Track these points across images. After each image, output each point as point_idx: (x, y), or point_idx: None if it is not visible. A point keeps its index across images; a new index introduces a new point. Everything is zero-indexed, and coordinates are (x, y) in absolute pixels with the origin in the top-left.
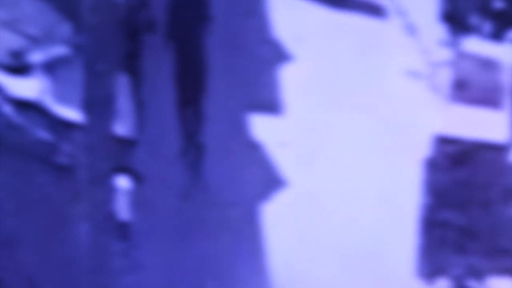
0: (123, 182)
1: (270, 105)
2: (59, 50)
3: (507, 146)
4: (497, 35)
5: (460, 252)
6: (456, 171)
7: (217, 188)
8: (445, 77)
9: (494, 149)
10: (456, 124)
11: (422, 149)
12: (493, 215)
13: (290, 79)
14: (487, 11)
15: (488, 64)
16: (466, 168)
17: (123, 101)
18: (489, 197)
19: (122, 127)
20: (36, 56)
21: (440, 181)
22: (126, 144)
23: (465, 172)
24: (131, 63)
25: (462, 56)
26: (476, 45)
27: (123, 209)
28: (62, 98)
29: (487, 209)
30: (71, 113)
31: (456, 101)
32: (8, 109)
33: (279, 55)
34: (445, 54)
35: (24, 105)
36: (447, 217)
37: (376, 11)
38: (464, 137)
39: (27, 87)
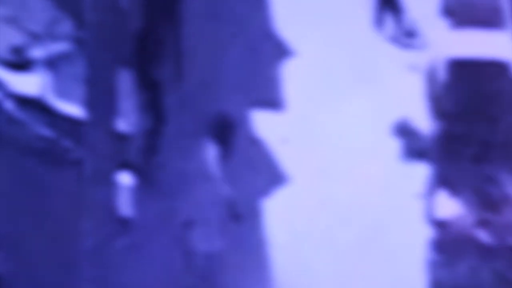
0: (125, 178)
1: (272, 101)
2: (60, 46)
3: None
4: None
5: (477, 162)
6: (466, 88)
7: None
8: None
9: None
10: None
11: None
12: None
13: (291, 75)
14: None
15: None
16: (476, 84)
17: (126, 97)
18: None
19: (124, 123)
20: (38, 52)
21: (454, 99)
22: (128, 140)
23: (475, 88)
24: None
25: None
26: None
27: (125, 205)
28: (64, 94)
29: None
30: (73, 109)
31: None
32: (9, 105)
33: (280, 51)
34: None
35: (25, 101)
36: (463, 130)
37: None
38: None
39: (29, 83)
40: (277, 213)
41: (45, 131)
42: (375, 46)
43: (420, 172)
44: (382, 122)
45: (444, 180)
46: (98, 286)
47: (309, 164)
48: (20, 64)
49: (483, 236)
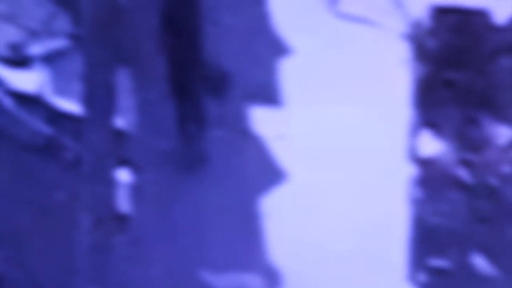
0: (123, 175)
1: (270, 98)
2: (58, 43)
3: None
4: None
5: (460, 105)
6: (452, 36)
7: (217, 180)
8: None
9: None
10: None
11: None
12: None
13: (289, 72)
14: None
15: None
16: (460, 33)
17: (123, 94)
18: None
19: (122, 120)
20: (36, 49)
21: (439, 47)
22: (126, 137)
23: (459, 37)
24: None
25: None
26: None
27: (123, 202)
28: (62, 90)
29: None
30: (71, 106)
31: None
32: (8, 102)
33: (278, 48)
34: None
35: (23, 98)
36: (446, 74)
37: None
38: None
39: (27, 80)
40: (275, 210)
41: (44, 128)
42: (374, 45)
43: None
44: (380, 120)
45: (428, 121)
46: (97, 283)
47: (307, 161)
48: (18, 61)
49: (464, 174)
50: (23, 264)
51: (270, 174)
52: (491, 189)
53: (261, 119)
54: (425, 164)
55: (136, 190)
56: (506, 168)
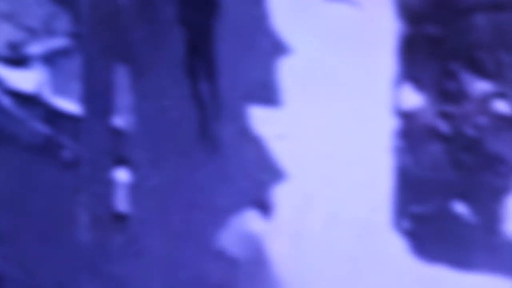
0: (122, 174)
1: (269, 97)
2: (58, 42)
3: None
4: None
5: (440, 60)
6: None
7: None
8: None
9: None
10: None
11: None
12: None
13: (288, 71)
14: None
15: None
16: None
17: (123, 93)
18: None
19: (121, 120)
20: (35, 48)
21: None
22: (125, 136)
23: None
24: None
25: None
26: None
27: (122, 201)
28: (61, 90)
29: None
30: (70, 105)
31: None
32: (6, 102)
33: (277, 47)
34: None
35: (22, 98)
36: (428, 30)
37: None
38: None
39: (26, 79)
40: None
41: (42, 127)
42: (374, 44)
43: None
44: (380, 118)
45: (409, 75)
46: (97, 282)
47: (306, 161)
48: (17, 60)
49: (443, 126)
50: (22, 263)
51: (269, 174)
52: (469, 139)
53: (260, 119)
54: (407, 117)
55: (135, 189)
56: (483, 120)
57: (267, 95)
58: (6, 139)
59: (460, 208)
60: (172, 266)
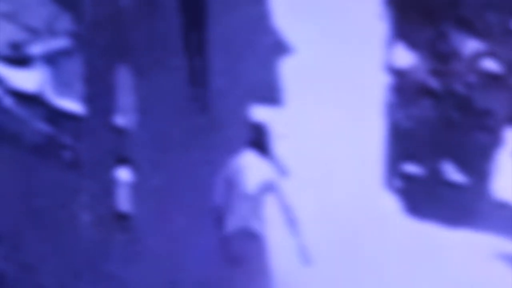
0: (124, 173)
1: (270, 97)
2: (59, 42)
3: None
4: None
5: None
6: None
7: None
8: None
9: None
10: None
11: None
12: None
13: (290, 72)
14: None
15: None
16: None
17: (124, 93)
18: None
19: (123, 119)
20: (37, 48)
21: None
22: (127, 135)
23: None
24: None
25: None
26: None
27: (124, 201)
28: (63, 90)
29: None
30: (72, 105)
31: None
32: (9, 101)
33: (280, 48)
34: None
35: (24, 97)
36: None
37: None
38: None
39: (28, 79)
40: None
41: (44, 127)
42: (374, 44)
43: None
44: (381, 119)
45: (402, 35)
46: (98, 281)
47: (307, 159)
48: (19, 60)
49: (434, 83)
50: (24, 262)
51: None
52: (459, 96)
53: (262, 118)
54: (399, 74)
55: (137, 188)
56: (472, 77)
57: (269, 94)
58: (8, 139)
59: (449, 166)
60: (173, 266)
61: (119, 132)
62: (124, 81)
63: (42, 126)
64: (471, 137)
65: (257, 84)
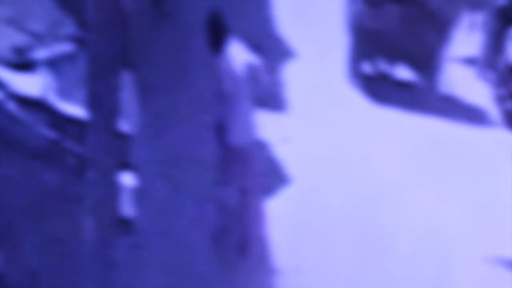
0: (127, 178)
1: (274, 102)
2: (63, 47)
3: None
4: None
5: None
6: None
7: None
8: None
9: None
10: None
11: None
12: None
13: (293, 76)
14: None
15: None
16: None
17: (127, 98)
18: None
19: (126, 124)
20: (40, 53)
21: None
22: (130, 140)
23: None
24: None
25: None
26: None
27: (127, 206)
28: (66, 94)
29: None
30: (75, 110)
31: None
32: (12, 106)
33: (283, 52)
34: None
35: (28, 102)
36: None
37: None
38: None
39: (31, 84)
40: (279, 212)
41: (47, 132)
42: None
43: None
44: (383, 120)
45: None
46: (101, 286)
47: (311, 165)
48: (23, 64)
49: None
50: (26, 267)
51: (275, 178)
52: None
53: (265, 123)
54: None
55: (140, 194)
56: None
57: (273, 100)
58: (11, 144)
59: (403, 69)
60: (176, 271)
61: (123, 136)
62: (128, 86)
63: (45, 131)
64: (424, 37)
65: (260, 89)
